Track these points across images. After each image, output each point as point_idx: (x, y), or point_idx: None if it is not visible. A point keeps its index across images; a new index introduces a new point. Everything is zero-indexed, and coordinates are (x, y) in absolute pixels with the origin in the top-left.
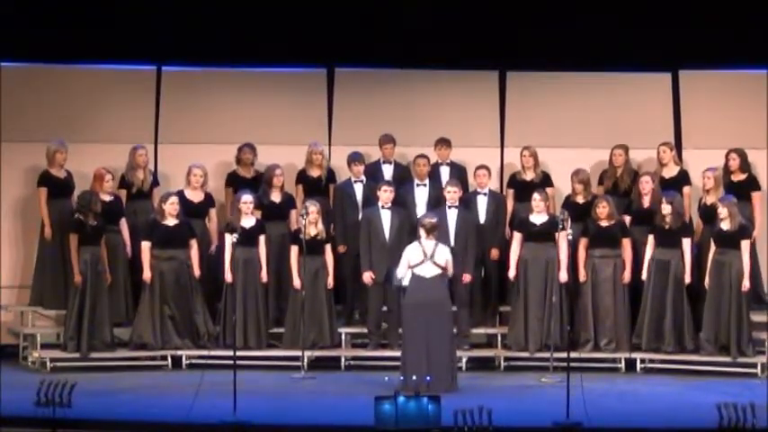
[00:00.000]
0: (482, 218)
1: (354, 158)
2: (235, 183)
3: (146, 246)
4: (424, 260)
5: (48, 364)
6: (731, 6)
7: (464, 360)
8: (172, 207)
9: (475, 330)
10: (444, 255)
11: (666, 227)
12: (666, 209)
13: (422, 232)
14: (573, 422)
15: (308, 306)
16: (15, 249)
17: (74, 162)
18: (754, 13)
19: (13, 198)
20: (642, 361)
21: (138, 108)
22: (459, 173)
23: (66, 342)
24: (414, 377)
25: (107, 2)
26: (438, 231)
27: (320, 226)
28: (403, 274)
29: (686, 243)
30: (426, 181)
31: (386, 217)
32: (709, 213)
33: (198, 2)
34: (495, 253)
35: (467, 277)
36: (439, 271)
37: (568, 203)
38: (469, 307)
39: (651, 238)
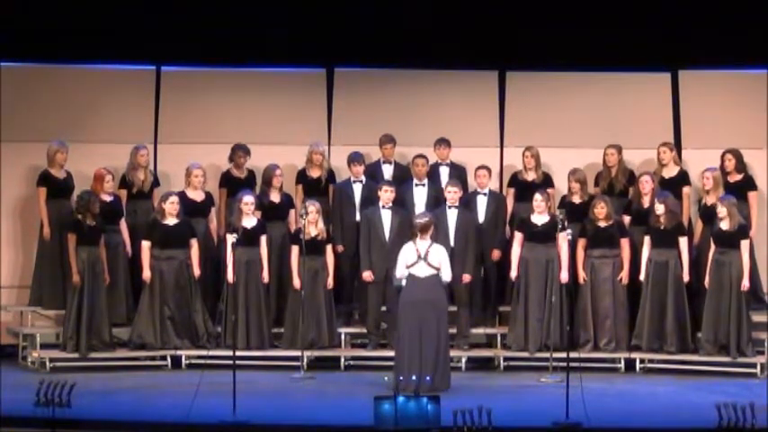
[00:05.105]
0: (482, 218)
1: (354, 158)
2: (229, 183)
3: (146, 245)
4: (417, 260)
5: (47, 364)
6: (731, 6)
7: (464, 360)
8: (172, 207)
9: (474, 330)
10: (438, 255)
11: (661, 227)
12: (660, 209)
13: (415, 232)
14: (572, 422)
15: (308, 306)
16: (15, 249)
17: (73, 162)
18: (754, 13)
19: (13, 198)
20: (641, 361)
21: (138, 108)
22: (458, 173)
23: (65, 342)
24: (412, 377)
25: (107, 2)
26: (432, 230)
27: (320, 226)
28: (401, 273)
29: (683, 242)
30: (425, 181)
31: (386, 217)
32: (709, 214)
33: (198, 2)
34: (496, 254)
35: (466, 277)
36: (433, 271)
37: (565, 203)
38: (469, 307)
39: (647, 239)
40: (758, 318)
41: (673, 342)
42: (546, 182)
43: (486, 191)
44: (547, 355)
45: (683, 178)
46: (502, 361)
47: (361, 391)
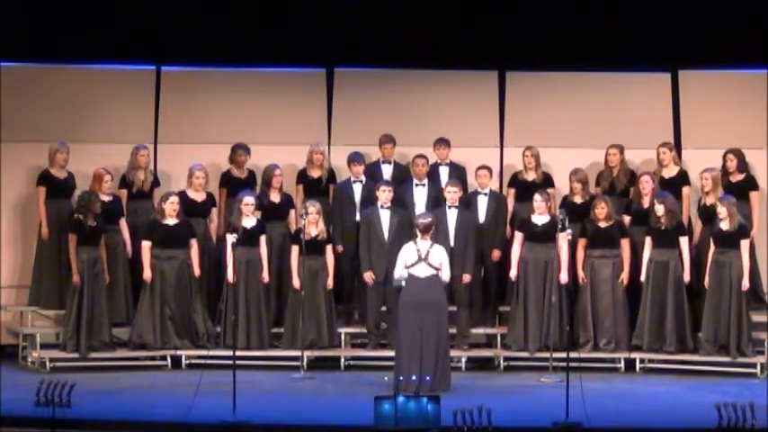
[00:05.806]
0: (482, 218)
1: (354, 158)
2: (229, 183)
3: (146, 245)
4: (418, 260)
5: (47, 364)
6: (731, 6)
7: (464, 360)
8: (172, 207)
9: (474, 330)
10: (439, 256)
11: (662, 227)
12: (660, 209)
13: (417, 232)
14: (572, 422)
15: (308, 306)
16: (15, 249)
17: (73, 162)
18: (754, 13)
19: (13, 198)
20: (641, 361)
21: (138, 108)
22: (458, 173)
23: (65, 342)
24: (412, 377)
25: (107, 2)
26: (434, 231)
27: (321, 226)
28: (400, 274)
29: (683, 242)
30: (425, 181)
31: (385, 217)
32: (708, 214)
33: (198, 2)
34: (496, 254)
35: (466, 277)
36: (434, 271)
37: (566, 203)
38: (469, 307)
39: (648, 239)
40: (758, 318)
41: (673, 342)
42: (546, 182)
43: (487, 191)
44: (547, 355)
45: (682, 178)
46: (502, 361)
47: (361, 391)
